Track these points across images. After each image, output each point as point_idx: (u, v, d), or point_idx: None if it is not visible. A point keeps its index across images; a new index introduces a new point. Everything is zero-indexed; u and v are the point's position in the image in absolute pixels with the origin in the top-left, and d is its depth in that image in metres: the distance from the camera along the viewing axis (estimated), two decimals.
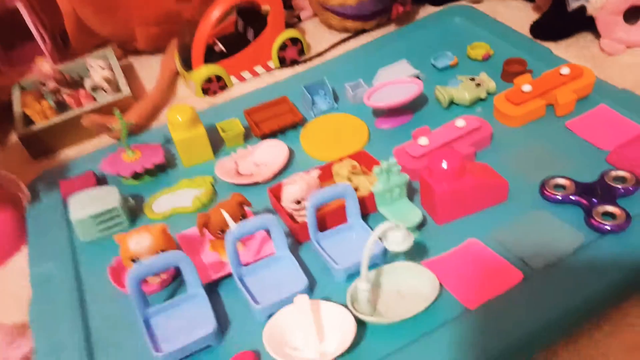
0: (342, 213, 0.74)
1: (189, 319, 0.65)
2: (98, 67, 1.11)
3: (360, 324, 0.62)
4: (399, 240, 0.60)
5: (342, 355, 0.59)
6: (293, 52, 1.13)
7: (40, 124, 1.01)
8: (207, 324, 0.63)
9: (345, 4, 1.10)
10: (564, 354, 0.61)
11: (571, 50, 1.01)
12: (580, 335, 0.62)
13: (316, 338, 0.60)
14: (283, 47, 1.11)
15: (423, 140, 0.81)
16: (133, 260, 0.66)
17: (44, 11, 1.26)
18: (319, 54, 1.14)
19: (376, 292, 0.65)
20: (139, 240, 0.66)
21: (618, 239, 0.67)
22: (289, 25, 1.15)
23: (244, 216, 0.72)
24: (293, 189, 0.73)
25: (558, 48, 1.02)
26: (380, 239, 0.63)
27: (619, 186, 0.71)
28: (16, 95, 1.09)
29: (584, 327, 0.63)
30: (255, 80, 1.12)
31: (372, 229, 0.73)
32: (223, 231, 0.71)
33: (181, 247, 0.75)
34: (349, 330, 0.59)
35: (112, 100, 1.04)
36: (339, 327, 0.60)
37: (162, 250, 0.66)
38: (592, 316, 0.63)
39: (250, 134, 0.95)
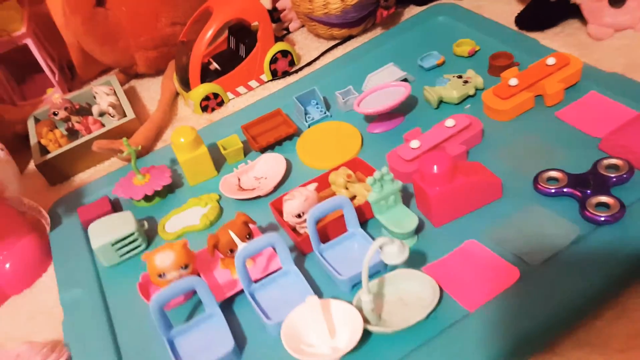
0: (342, 222, 0.73)
1: (208, 339, 0.66)
2: (103, 94, 1.11)
3: (366, 333, 0.61)
4: (395, 253, 0.58)
5: (353, 350, 0.59)
6: (284, 64, 1.11)
7: (54, 152, 1.02)
8: (226, 342, 0.63)
9: (329, 13, 1.07)
10: (563, 343, 0.58)
11: (558, 39, 0.96)
12: (580, 324, 0.59)
13: (328, 334, 0.60)
14: (274, 60, 1.09)
15: (414, 143, 0.79)
16: (160, 276, 0.68)
17: (50, 45, 1.28)
18: (309, 63, 1.12)
19: (380, 301, 0.64)
20: (163, 258, 0.68)
21: (613, 229, 0.64)
22: (278, 38, 1.13)
23: (250, 234, 0.72)
24: (293, 204, 0.71)
25: (545, 38, 0.97)
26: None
27: (612, 175, 0.68)
28: (31, 127, 1.10)
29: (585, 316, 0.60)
30: (251, 94, 1.10)
31: (371, 235, 0.71)
32: (232, 250, 0.71)
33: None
34: (357, 325, 0.59)
35: (119, 124, 1.04)
36: (348, 323, 0.61)
37: (185, 264, 0.68)
38: (592, 308, 0.60)
39: (250, 148, 0.94)
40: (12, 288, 0.85)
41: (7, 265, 0.85)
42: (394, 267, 0.66)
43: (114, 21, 1.11)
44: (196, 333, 0.67)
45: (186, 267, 0.69)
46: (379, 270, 0.67)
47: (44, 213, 0.90)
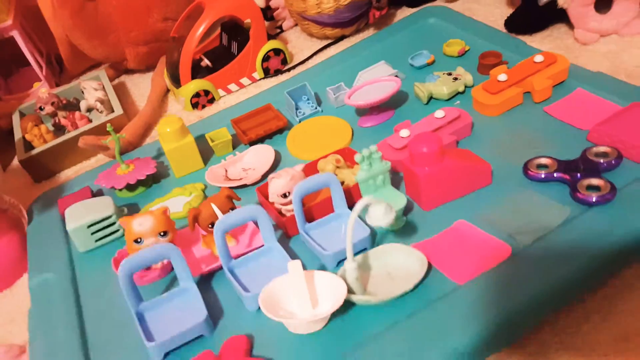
0: (329, 205, 0.73)
1: (181, 311, 0.65)
2: (91, 89, 1.12)
3: (351, 305, 0.60)
4: (380, 214, 0.58)
5: (335, 316, 0.58)
6: (276, 63, 1.13)
7: (39, 148, 1.02)
8: (199, 314, 0.62)
9: (322, 13, 1.11)
10: (549, 346, 0.57)
11: (546, 43, 1.01)
12: (567, 326, 0.59)
13: (309, 303, 0.59)
14: (266, 58, 1.12)
15: (404, 132, 0.80)
16: (136, 242, 0.68)
17: (38, 37, 1.29)
18: (301, 62, 1.15)
19: (366, 275, 0.64)
20: (141, 222, 0.68)
21: (604, 210, 0.65)
22: (271, 36, 1.17)
23: (232, 209, 0.72)
24: (279, 182, 0.72)
25: (533, 41, 1.01)
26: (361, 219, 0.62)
27: (602, 160, 0.70)
28: (16, 121, 1.11)
29: (572, 319, 0.59)
30: (242, 92, 1.12)
31: (359, 217, 0.71)
32: (213, 224, 0.70)
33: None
34: (341, 292, 0.59)
35: (106, 120, 1.05)
36: (331, 293, 0.60)
37: (164, 231, 0.68)
38: (581, 289, 0.60)
39: (239, 142, 0.95)
40: None
41: None
42: (380, 243, 0.66)
43: (104, 15, 1.13)
44: (168, 307, 0.65)
45: (165, 234, 0.68)
46: (365, 247, 0.68)
47: (24, 211, 0.89)
